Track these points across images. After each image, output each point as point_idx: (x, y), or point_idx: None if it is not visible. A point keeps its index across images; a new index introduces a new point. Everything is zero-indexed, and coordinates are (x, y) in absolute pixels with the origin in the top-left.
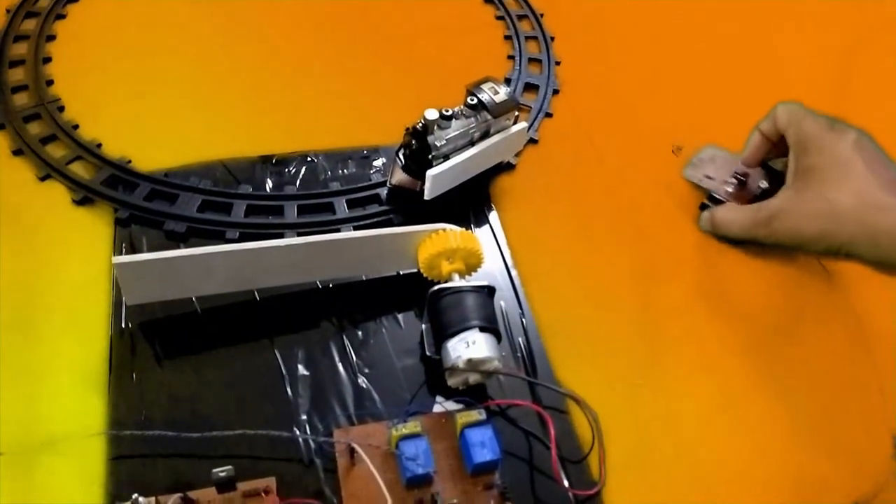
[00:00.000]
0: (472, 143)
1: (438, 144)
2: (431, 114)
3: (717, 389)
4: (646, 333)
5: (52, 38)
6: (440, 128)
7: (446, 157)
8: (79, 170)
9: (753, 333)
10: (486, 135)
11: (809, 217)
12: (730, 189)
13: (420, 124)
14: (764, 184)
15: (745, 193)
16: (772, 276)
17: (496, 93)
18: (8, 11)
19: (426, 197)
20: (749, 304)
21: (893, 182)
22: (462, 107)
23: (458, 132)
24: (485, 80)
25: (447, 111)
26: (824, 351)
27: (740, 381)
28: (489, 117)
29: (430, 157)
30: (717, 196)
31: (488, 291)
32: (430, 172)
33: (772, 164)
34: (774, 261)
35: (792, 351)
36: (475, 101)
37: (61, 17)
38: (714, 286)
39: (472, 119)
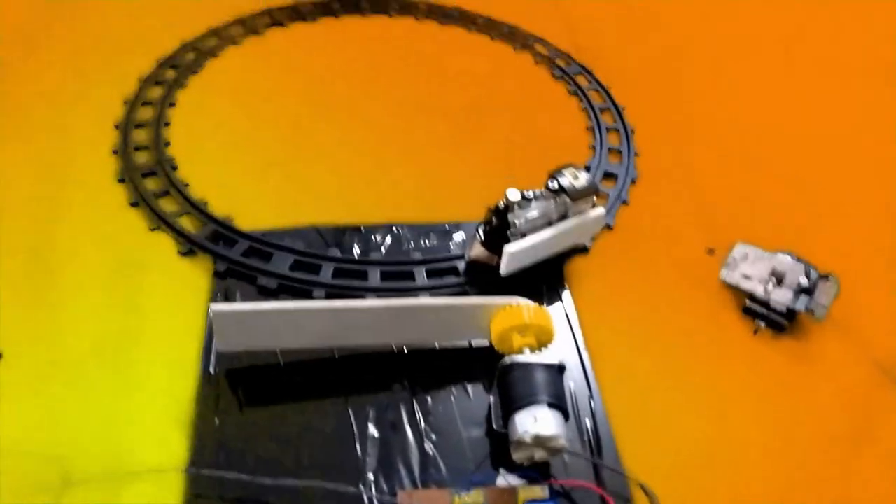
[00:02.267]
0: (550, 224)
1: (518, 223)
2: (513, 194)
3: (786, 481)
4: (716, 424)
5: (173, 104)
6: (521, 207)
7: (524, 236)
8: (186, 224)
9: (819, 429)
10: (564, 217)
11: None
12: (769, 287)
13: (502, 203)
14: (804, 281)
15: (782, 290)
16: (838, 380)
17: (576, 178)
18: (139, 80)
19: (502, 272)
20: (815, 401)
21: None
22: (543, 189)
23: (537, 213)
24: (566, 166)
25: (528, 193)
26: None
27: (808, 475)
28: (568, 201)
29: (508, 234)
30: (758, 297)
31: (559, 369)
32: (507, 248)
33: None
34: (840, 364)
35: (857, 454)
36: (556, 184)
37: (183, 86)
38: (784, 385)
39: (552, 201)
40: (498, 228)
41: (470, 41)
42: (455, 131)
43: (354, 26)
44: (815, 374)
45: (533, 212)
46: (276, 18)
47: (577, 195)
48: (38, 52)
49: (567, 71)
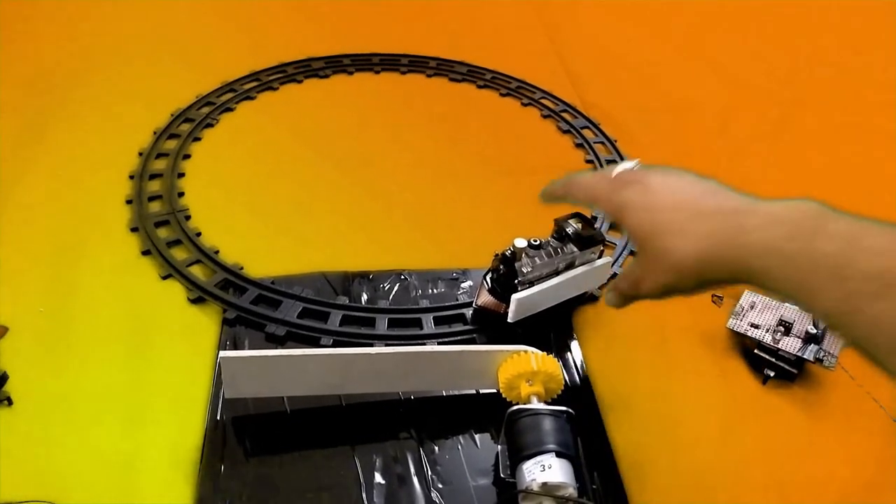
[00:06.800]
0: (557, 273)
1: (525, 271)
2: (520, 242)
3: None
4: (727, 474)
5: (187, 156)
6: (528, 255)
7: (531, 284)
8: (197, 272)
9: (833, 481)
10: (571, 266)
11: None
12: (777, 336)
13: (509, 251)
14: (812, 329)
15: (790, 339)
16: (849, 429)
17: (583, 227)
18: (154, 133)
19: (510, 319)
20: (827, 451)
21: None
22: (550, 238)
23: (544, 261)
24: (573, 215)
25: (535, 241)
26: None
27: None
28: (575, 249)
29: (516, 282)
30: (767, 345)
31: (567, 417)
32: (515, 296)
33: None
34: (851, 414)
35: None
36: (563, 233)
37: (197, 139)
38: (796, 434)
39: (559, 250)
40: (505, 276)
41: (479, 97)
42: (463, 182)
43: (366, 83)
44: (827, 423)
45: (540, 260)
46: (290, 74)
47: (584, 244)
48: (57, 104)
49: (573, 125)
